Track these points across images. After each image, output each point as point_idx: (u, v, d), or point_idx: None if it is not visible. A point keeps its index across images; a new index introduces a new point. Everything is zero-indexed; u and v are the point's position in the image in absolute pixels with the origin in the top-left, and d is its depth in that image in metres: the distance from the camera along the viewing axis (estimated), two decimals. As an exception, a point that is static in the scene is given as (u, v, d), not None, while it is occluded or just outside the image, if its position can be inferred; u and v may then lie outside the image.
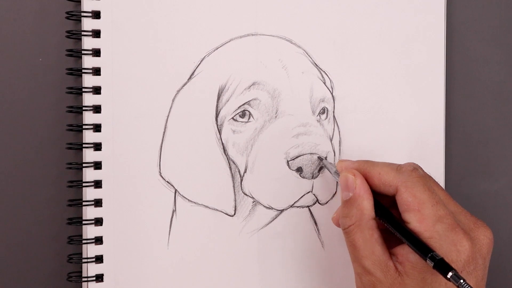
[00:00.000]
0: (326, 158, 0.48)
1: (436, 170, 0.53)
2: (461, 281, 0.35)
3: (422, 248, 0.38)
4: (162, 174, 0.46)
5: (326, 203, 0.49)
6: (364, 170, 0.43)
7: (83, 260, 0.44)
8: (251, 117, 0.47)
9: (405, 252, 0.40)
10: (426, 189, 0.40)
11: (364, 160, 0.44)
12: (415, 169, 0.42)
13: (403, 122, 0.52)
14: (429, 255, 0.37)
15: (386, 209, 0.42)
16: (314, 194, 0.49)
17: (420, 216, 0.39)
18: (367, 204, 0.41)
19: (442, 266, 0.37)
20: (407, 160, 0.51)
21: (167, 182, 0.46)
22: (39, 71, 0.46)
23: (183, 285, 0.47)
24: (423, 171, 0.42)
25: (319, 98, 0.49)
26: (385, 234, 0.42)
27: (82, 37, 0.44)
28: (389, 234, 0.42)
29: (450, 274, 0.36)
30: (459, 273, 0.36)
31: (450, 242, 0.38)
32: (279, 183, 0.48)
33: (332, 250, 0.50)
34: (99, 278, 0.44)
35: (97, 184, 0.44)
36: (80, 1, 0.45)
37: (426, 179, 0.41)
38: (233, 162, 0.47)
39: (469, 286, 0.35)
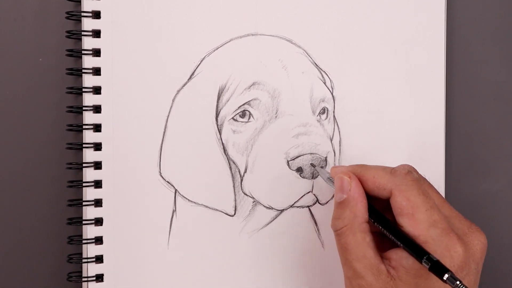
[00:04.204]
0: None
1: (436, 170, 0.53)
2: (457, 282, 0.35)
3: (418, 251, 0.38)
4: (162, 174, 0.46)
5: (326, 203, 0.49)
6: (358, 173, 0.42)
7: (83, 260, 0.44)
8: (251, 117, 0.47)
9: (399, 256, 0.39)
10: (420, 193, 0.40)
11: (357, 164, 0.44)
12: (409, 172, 0.41)
13: (403, 122, 0.52)
14: (425, 257, 0.37)
15: (380, 213, 0.42)
16: (314, 194, 0.49)
17: (414, 220, 0.39)
18: (360, 207, 0.41)
19: (438, 268, 0.37)
20: (407, 160, 0.51)
21: (167, 182, 0.46)
22: (39, 71, 0.46)
23: (183, 285, 0.47)
24: (418, 173, 0.42)
25: (319, 98, 0.49)
26: (377, 238, 0.42)
27: (82, 37, 0.44)
28: (381, 238, 0.42)
29: (446, 275, 0.36)
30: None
31: (444, 247, 0.38)
32: (279, 183, 0.48)
33: (332, 250, 0.50)
34: (99, 278, 0.44)
35: (97, 184, 0.44)
36: (80, 1, 0.45)
37: (420, 182, 0.41)
38: (233, 162, 0.47)
39: (465, 287, 0.35)
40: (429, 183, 0.42)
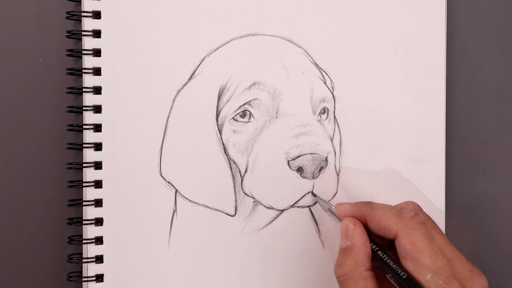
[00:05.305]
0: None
1: (436, 170, 0.53)
2: None
3: None
4: (162, 174, 0.46)
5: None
6: (364, 213, 0.43)
7: (83, 260, 0.44)
8: (251, 117, 0.47)
9: None
10: (425, 237, 0.40)
11: (363, 202, 0.44)
12: (416, 215, 0.41)
13: (403, 122, 0.52)
14: None
15: (385, 252, 0.42)
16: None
17: (418, 265, 0.39)
18: (362, 256, 0.41)
19: None
20: (407, 160, 0.51)
21: (168, 182, 0.46)
22: (39, 71, 0.46)
23: (183, 285, 0.46)
24: (424, 213, 0.42)
25: (319, 98, 0.49)
26: (380, 274, 0.42)
27: (83, 37, 0.44)
28: (384, 276, 0.42)
29: None
30: None
31: None
32: (280, 183, 0.48)
33: (333, 250, 0.50)
34: (99, 278, 0.44)
35: (97, 184, 0.44)
36: (80, 1, 0.45)
37: (426, 225, 0.41)
38: (234, 162, 0.47)
39: None
40: (434, 223, 0.42)
